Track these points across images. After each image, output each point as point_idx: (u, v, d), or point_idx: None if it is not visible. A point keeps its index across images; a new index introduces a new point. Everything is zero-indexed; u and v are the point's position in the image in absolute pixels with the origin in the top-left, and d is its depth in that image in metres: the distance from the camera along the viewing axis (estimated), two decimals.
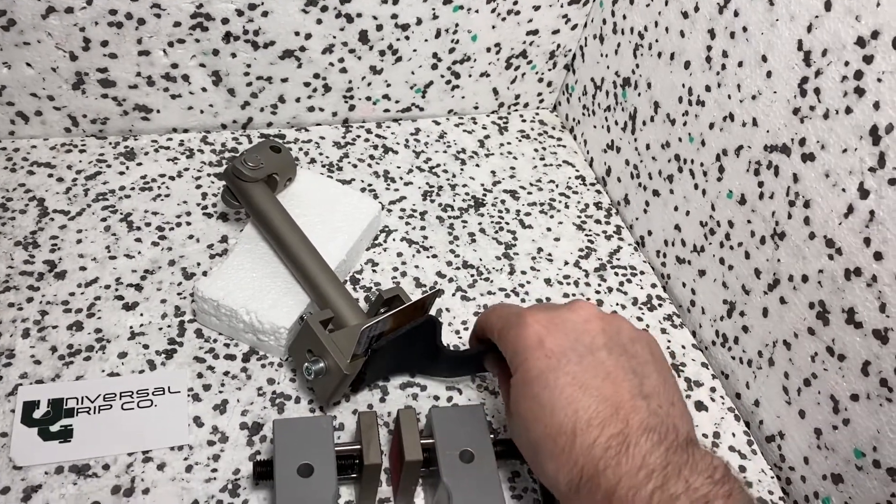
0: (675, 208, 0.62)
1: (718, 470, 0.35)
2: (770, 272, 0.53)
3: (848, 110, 0.45)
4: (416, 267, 0.63)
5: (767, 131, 0.51)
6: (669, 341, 0.61)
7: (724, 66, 0.55)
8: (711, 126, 0.57)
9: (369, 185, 0.69)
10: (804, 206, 0.49)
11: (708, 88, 0.57)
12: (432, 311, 0.54)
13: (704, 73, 0.57)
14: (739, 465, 0.53)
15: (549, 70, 0.77)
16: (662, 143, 0.63)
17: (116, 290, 0.57)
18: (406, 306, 0.49)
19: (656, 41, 0.62)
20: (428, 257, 0.64)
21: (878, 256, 0.44)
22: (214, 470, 0.48)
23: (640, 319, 0.62)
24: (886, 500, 0.45)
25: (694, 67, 0.58)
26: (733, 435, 0.55)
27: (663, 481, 0.34)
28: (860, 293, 0.46)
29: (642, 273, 0.66)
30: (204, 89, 0.67)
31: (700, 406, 0.56)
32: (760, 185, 0.53)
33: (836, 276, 0.47)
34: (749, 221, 0.54)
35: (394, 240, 0.65)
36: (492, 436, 0.47)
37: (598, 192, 0.72)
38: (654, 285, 0.65)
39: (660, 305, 0.63)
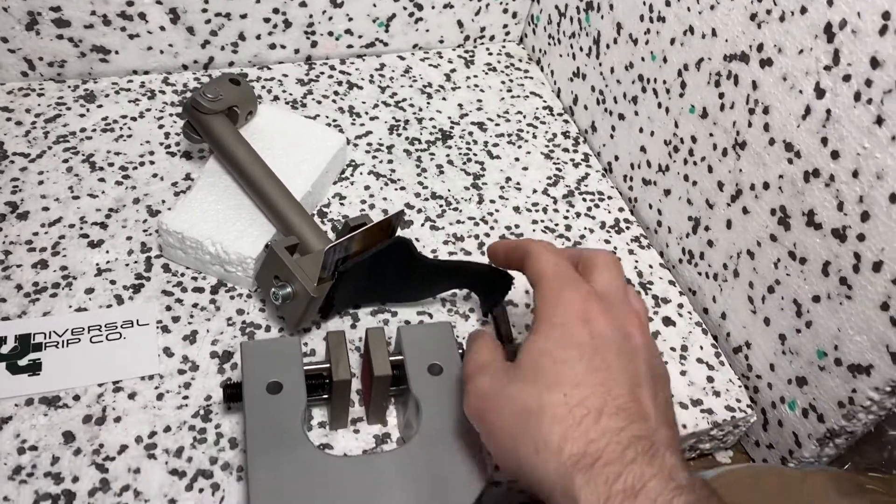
0: (640, 130, 0.62)
1: (680, 475, 0.33)
2: (733, 183, 0.53)
3: (803, 10, 0.45)
4: (385, 199, 0.63)
5: (726, 41, 0.51)
6: (637, 262, 0.61)
7: None
8: (672, 42, 0.57)
9: (334, 120, 0.68)
10: (763, 113, 0.49)
11: (668, 3, 0.56)
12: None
13: None
14: (707, 377, 0.54)
15: (514, 0, 0.76)
16: (626, 65, 0.63)
17: (81, 228, 0.56)
18: (371, 225, 0.49)
19: None
20: (396, 189, 0.64)
21: (834, 155, 0.44)
22: (186, 397, 0.48)
23: (607, 242, 0.62)
24: (848, 397, 0.46)
25: None
26: (701, 348, 0.56)
27: (696, 499, 0.32)
28: (819, 194, 0.46)
29: (610, 198, 0.66)
30: (162, 28, 0.66)
31: (668, 321, 0.57)
32: (721, 96, 0.53)
33: (796, 179, 0.47)
34: (711, 135, 0.54)
35: (361, 173, 0.64)
36: (460, 351, 0.47)
37: (566, 121, 0.72)
38: (621, 209, 0.65)
39: (627, 228, 0.64)
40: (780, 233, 0.49)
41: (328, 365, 0.45)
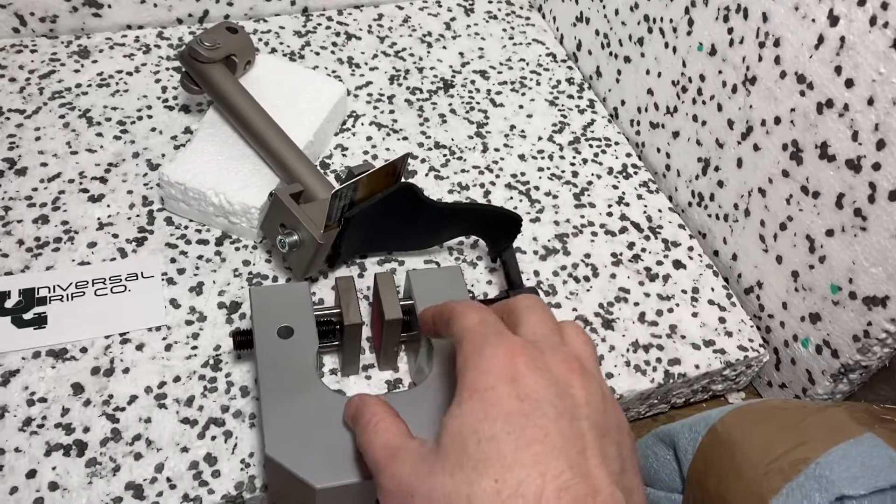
0: (647, 72, 0.61)
1: None
2: (743, 121, 0.52)
3: None
4: (387, 150, 0.62)
5: None
6: (646, 207, 0.60)
7: None
8: None
9: (333, 71, 0.67)
10: (774, 46, 0.48)
11: None
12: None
13: None
14: (719, 318, 0.54)
15: None
16: (631, 6, 0.61)
17: (81, 183, 0.55)
18: (377, 169, 0.48)
19: None
20: (398, 139, 0.63)
21: (849, 84, 0.44)
22: (195, 347, 0.48)
23: (615, 188, 0.61)
24: (863, 330, 0.46)
25: None
26: (712, 290, 0.55)
27: None
28: (832, 125, 0.45)
29: (616, 144, 0.65)
30: None
31: (678, 265, 0.57)
32: (730, 31, 0.52)
33: (809, 111, 0.47)
34: (720, 72, 0.53)
35: (362, 124, 0.63)
36: (470, 295, 0.47)
37: (570, 68, 0.71)
38: (628, 154, 0.64)
39: (635, 173, 0.63)
40: (793, 168, 0.49)
41: (339, 310, 0.45)
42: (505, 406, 0.30)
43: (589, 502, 0.28)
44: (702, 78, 0.55)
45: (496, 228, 0.52)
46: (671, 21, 0.57)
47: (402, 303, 0.45)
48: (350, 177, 0.53)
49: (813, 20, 0.45)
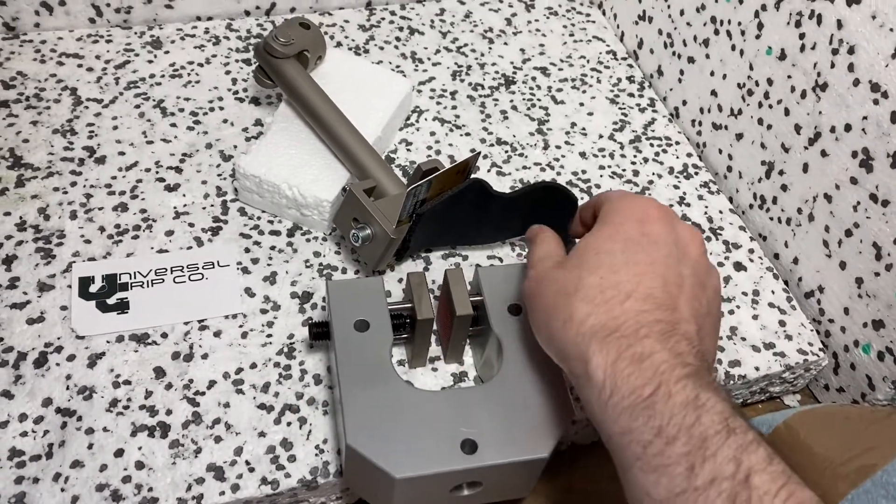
0: (712, 73, 0.61)
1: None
2: (811, 126, 0.52)
3: None
4: (450, 145, 0.63)
5: None
6: (706, 207, 0.61)
7: None
8: None
9: (397, 66, 0.68)
10: (848, 53, 0.48)
11: None
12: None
13: None
14: (779, 321, 0.54)
15: None
16: (697, 7, 0.62)
17: (157, 172, 0.57)
18: (449, 168, 0.49)
19: None
20: (461, 135, 0.64)
21: None
22: (269, 335, 0.49)
23: (676, 188, 0.62)
24: None
25: None
26: (772, 292, 0.56)
27: (697, 374, 0.33)
28: None
29: (677, 143, 0.65)
30: None
31: (739, 266, 0.57)
32: (802, 36, 0.52)
33: (882, 120, 0.47)
34: (789, 77, 0.53)
35: (426, 119, 0.64)
36: None
37: (630, 66, 0.71)
38: (689, 154, 0.64)
39: (696, 174, 0.63)
40: (862, 175, 0.49)
41: (410, 305, 0.46)
42: (627, 235, 0.38)
43: (665, 310, 0.35)
44: (769, 82, 0.55)
45: (558, 213, 0.53)
46: (739, 24, 0.57)
47: (471, 298, 0.47)
48: (418, 173, 0.54)
49: (891, 29, 0.45)
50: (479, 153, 0.51)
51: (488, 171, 0.61)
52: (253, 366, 0.48)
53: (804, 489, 0.29)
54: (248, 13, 0.70)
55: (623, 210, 0.40)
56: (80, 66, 0.63)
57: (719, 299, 0.41)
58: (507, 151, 0.63)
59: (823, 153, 0.52)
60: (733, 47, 0.58)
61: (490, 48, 0.71)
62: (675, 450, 0.31)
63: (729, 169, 0.61)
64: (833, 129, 0.50)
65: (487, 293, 0.47)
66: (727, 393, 0.34)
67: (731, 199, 0.62)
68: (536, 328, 0.40)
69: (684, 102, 0.66)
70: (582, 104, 0.67)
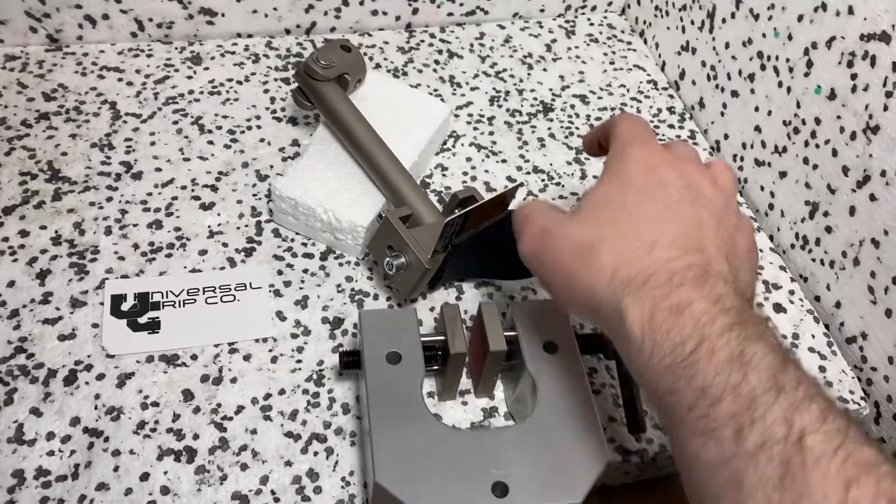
0: (756, 109, 0.60)
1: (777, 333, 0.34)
2: (860, 168, 0.51)
3: None
4: (486, 171, 0.62)
5: (865, 19, 0.49)
6: None
7: None
8: (800, 18, 0.54)
9: (435, 90, 0.68)
10: None
11: None
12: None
13: None
14: (819, 366, 0.53)
15: None
16: (744, 41, 0.60)
17: (192, 190, 0.57)
18: (488, 200, 0.48)
19: None
20: (497, 162, 0.63)
21: None
22: (299, 361, 0.49)
23: None
24: None
25: None
26: (812, 336, 0.54)
27: (741, 320, 0.31)
28: None
29: None
30: None
31: (778, 308, 0.56)
32: (853, 77, 0.50)
33: None
34: (838, 117, 0.52)
35: (462, 144, 0.64)
36: (574, 330, 0.47)
37: (671, 96, 0.70)
38: None
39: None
40: None
41: (443, 337, 0.45)
42: (637, 183, 0.38)
43: (694, 253, 0.34)
44: (817, 121, 0.54)
45: None
46: (788, 61, 0.56)
47: (505, 333, 0.46)
48: (454, 202, 0.53)
49: None
50: (519, 185, 0.50)
51: (524, 198, 0.60)
52: (281, 392, 0.47)
53: (862, 447, 0.27)
54: (288, 31, 0.70)
55: (628, 158, 0.39)
56: (120, 79, 0.64)
57: (747, 232, 0.40)
58: (543, 180, 0.62)
59: (872, 197, 0.50)
60: (780, 84, 0.57)
61: (529, 74, 0.70)
62: (721, 411, 0.29)
63: (770, 206, 0.60)
64: (884, 174, 0.49)
65: (522, 329, 0.46)
66: (775, 335, 0.32)
67: (771, 238, 0.60)
68: (554, 287, 0.39)
69: (726, 136, 0.64)
70: None
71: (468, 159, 0.63)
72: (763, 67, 0.59)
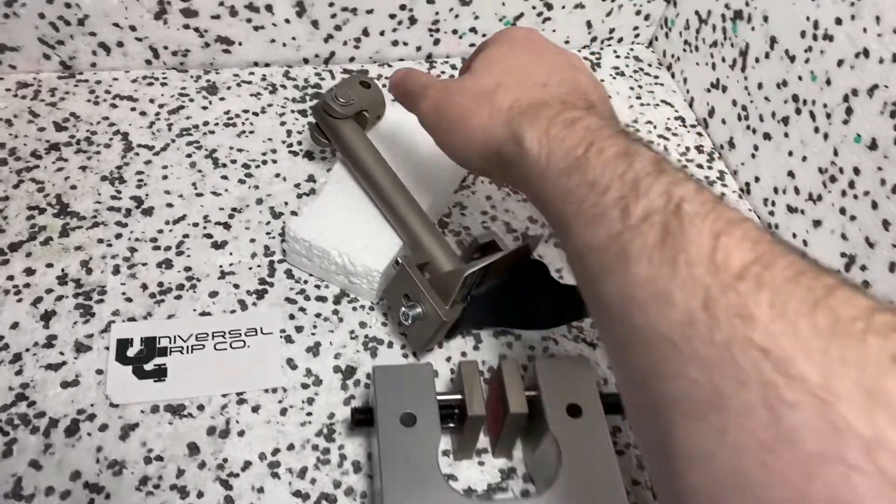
0: (790, 153, 0.58)
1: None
2: None
3: None
4: (507, 211, 0.60)
5: None
6: None
7: None
8: (840, 63, 0.52)
9: None
10: None
11: (839, 21, 0.52)
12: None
13: (835, 3, 0.52)
14: None
15: (648, 2, 0.72)
16: (778, 83, 0.58)
17: (205, 227, 0.55)
18: (510, 252, 0.46)
19: None
20: (518, 201, 0.61)
21: None
22: (309, 413, 0.47)
23: None
24: None
25: None
26: None
27: (626, 133, 0.35)
28: None
29: None
30: (287, 21, 0.64)
31: None
32: None
33: None
34: (880, 168, 0.50)
35: (482, 182, 0.62)
36: (599, 390, 0.45)
37: (700, 134, 0.68)
38: None
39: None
40: None
41: (460, 397, 0.43)
42: (523, 47, 0.44)
43: (584, 98, 0.40)
44: (856, 171, 0.52)
45: None
46: (825, 106, 0.54)
47: (526, 393, 0.44)
48: (474, 246, 0.51)
49: None
50: (542, 237, 0.48)
51: (546, 241, 0.58)
52: (290, 447, 0.45)
53: (731, 210, 0.29)
54: (306, 61, 0.68)
55: (510, 32, 0.45)
56: (133, 109, 0.62)
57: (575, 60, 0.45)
58: None
59: None
60: (816, 129, 0.55)
61: None
62: (609, 197, 0.31)
63: (803, 255, 0.58)
64: None
65: (544, 388, 0.44)
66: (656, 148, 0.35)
67: None
68: (449, 134, 0.42)
69: (757, 179, 0.62)
70: None
71: (488, 198, 0.61)
72: (798, 111, 0.56)
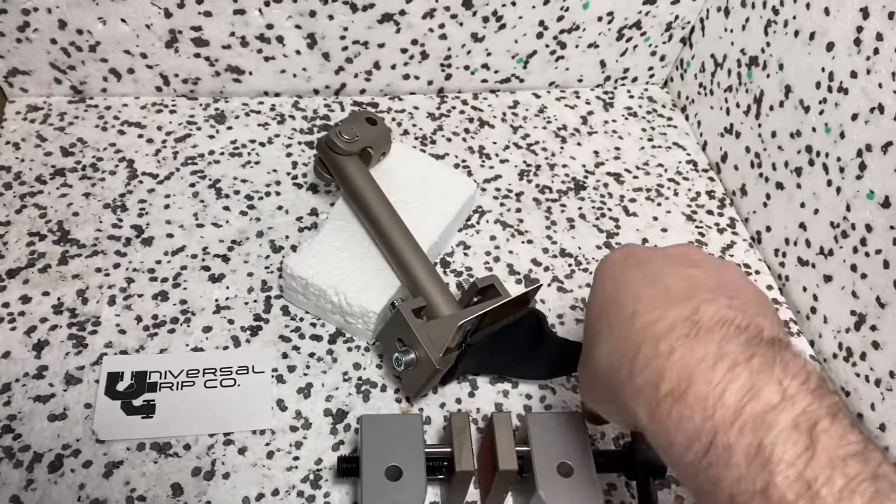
0: (802, 205, 0.56)
1: (813, 377, 0.29)
2: None
3: None
4: (510, 252, 0.59)
5: None
6: None
7: (876, 51, 0.49)
8: (854, 117, 0.51)
9: (463, 160, 0.65)
10: None
11: (854, 74, 0.50)
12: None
13: (851, 56, 0.51)
14: None
15: (664, 43, 0.71)
16: (792, 132, 0.57)
17: (203, 259, 0.55)
18: (507, 301, 0.45)
19: (793, 18, 0.56)
20: (523, 242, 0.60)
21: None
22: (296, 458, 0.46)
23: None
24: None
25: (838, 50, 0.52)
26: None
27: (752, 383, 0.28)
28: None
29: (757, 272, 0.60)
30: (298, 52, 0.64)
31: None
32: None
33: None
34: (892, 227, 0.48)
35: (487, 221, 0.61)
36: (592, 448, 0.43)
37: (711, 179, 0.67)
38: (769, 287, 0.59)
39: (776, 309, 0.58)
40: None
41: (450, 450, 0.42)
42: (611, 271, 0.38)
43: (684, 306, 0.32)
44: (868, 228, 0.50)
45: None
46: (839, 160, 0.52)
47: (517, 448, 0.42)
48: (473, 290, 0.50)
49: None
50: (540, 286, 0.47)
51: (549, 285, 0.57)
52: (275, 493, 0.44)
53: None
54: (316, 92, 0.68)
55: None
56: (140, 136, 0.62)
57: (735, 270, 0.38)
58: (570, 265, 0.59)
59: None
60: (829, 182, 0.53)
61: (562, 148, 0.67)
62: None
63: (813, 310, 0.56)
64: None
65: (536, 445, 0.43)
66: (808, 392, 0.28)
67: (812, 343, 0.56)
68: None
69: (768, 228, 0.61)
70: (656, 218, 0.63)
71: (492, 238, 0.60)
72: (811, 163, 0.55)
